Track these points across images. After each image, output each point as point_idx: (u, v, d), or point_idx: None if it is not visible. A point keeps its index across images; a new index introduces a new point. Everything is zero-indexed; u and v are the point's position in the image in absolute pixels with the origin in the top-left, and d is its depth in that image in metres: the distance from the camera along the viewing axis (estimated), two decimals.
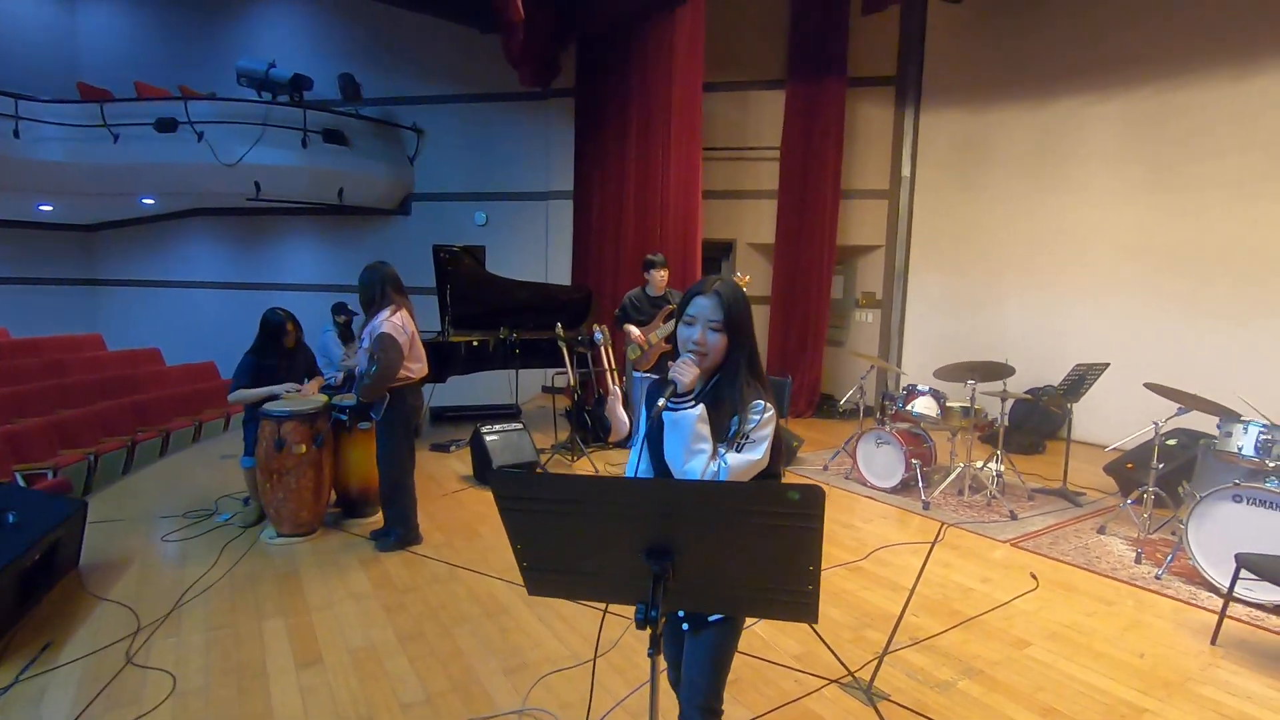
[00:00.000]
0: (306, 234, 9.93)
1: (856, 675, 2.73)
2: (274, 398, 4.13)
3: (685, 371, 1.54)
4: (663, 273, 5.37)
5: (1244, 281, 5.93)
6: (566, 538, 1.13)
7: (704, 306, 1.58)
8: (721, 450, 1.50)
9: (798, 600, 1.08)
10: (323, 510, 4.18)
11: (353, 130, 8.83)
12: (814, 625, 3.06)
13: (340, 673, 2.71)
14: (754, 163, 8.17)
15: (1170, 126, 6.36)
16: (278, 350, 4.31)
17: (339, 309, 6.38)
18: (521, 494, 1.09)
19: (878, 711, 2.51)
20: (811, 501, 0.97)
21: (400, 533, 3.92)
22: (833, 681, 2.70)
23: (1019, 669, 2.81)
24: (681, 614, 1.64)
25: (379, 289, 3.70)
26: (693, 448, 1.49)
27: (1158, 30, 6.36)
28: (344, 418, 4.18)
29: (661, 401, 1.54)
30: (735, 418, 1.54)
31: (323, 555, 3.84)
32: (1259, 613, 3.28)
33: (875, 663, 2.80)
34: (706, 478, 1.44)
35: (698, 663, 1.65)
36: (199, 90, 8.97)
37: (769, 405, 1.56)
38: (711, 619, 1.62)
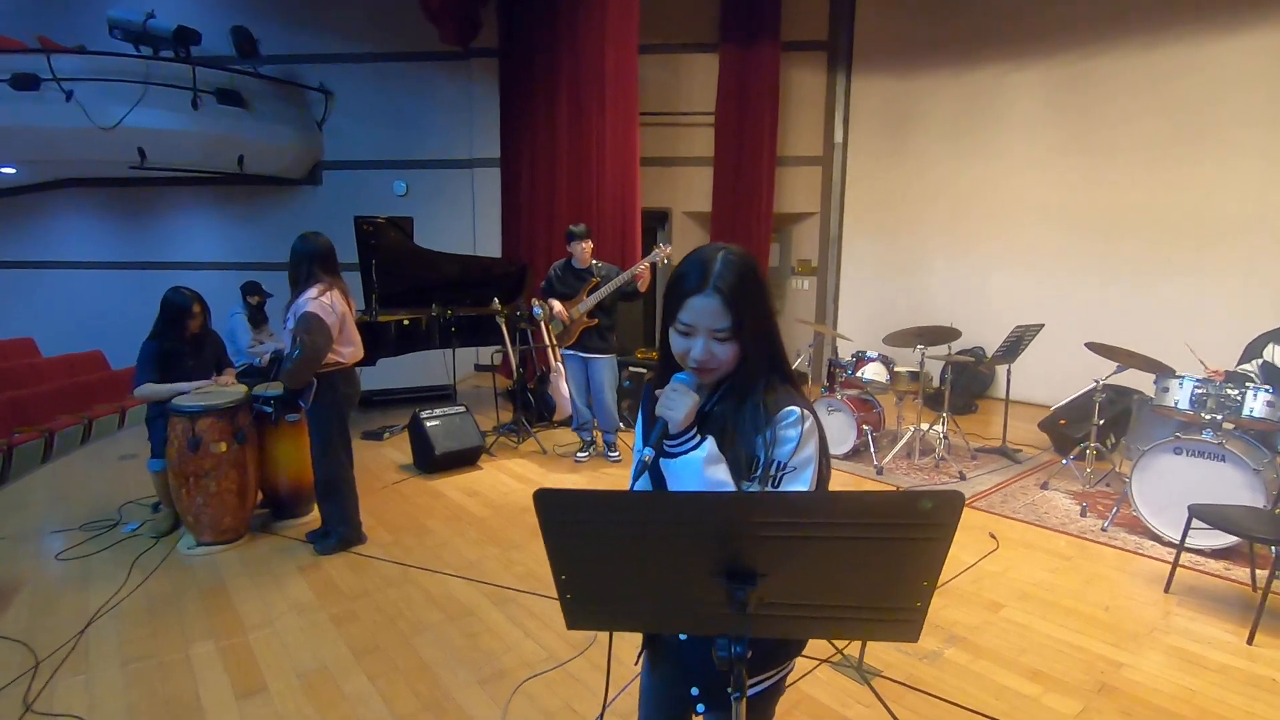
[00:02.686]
0: (203, 206, 8.99)
1: (845, 654, 2.67)
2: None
3: (678, 404, 1.10)
4: (585, 244, 4.85)
5: (1157, 242, 6.24)
6: (624, 563, 0.93)
7: (703, 312, 1.12)
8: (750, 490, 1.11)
9: (901, 619, 0.92)
10: (249, 514, 3.76)
11: (251, 91, 7.97)
12: None
13: (290, 700, 2.41)
14: (688, 128, 7.97)
15: (1086, 94, 6.58)
16: (181, 335, 3.82)
17: (251, 289, 5.81)
18: (574, 515, 0.87)
19: (873, 689, 2.45)
20: (946, 511, 0.80)
21: (341, 532, 3.57)
22: (823, 661, 2.63)
23: (998, 632, 2.83)
24: (696, 691, 1.26)
25: (305, 267, 3.30)
26: None
27: (1073, 2, 6.54)
28: (269, 410, 3.75)
29: (649, 453, 1.10)
30: (759, 438, 1.12)
31: (253, 564, 3.46)
32: (1200, 558, 3.45)
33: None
34: None
35: None
36: (63, 43, 7.86)
37: (806, 413, 1.13)
38: (735, 694, 1.04)
